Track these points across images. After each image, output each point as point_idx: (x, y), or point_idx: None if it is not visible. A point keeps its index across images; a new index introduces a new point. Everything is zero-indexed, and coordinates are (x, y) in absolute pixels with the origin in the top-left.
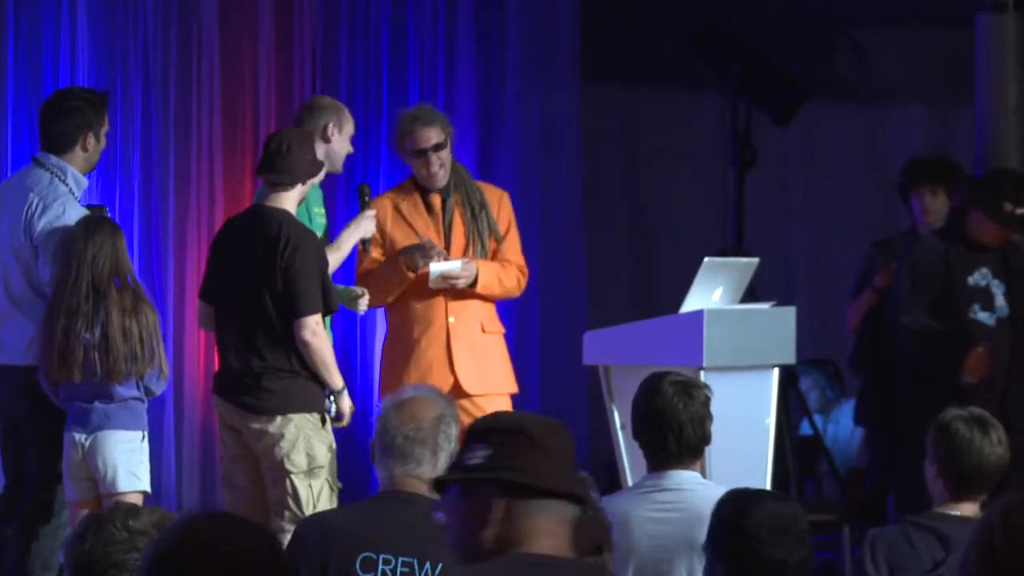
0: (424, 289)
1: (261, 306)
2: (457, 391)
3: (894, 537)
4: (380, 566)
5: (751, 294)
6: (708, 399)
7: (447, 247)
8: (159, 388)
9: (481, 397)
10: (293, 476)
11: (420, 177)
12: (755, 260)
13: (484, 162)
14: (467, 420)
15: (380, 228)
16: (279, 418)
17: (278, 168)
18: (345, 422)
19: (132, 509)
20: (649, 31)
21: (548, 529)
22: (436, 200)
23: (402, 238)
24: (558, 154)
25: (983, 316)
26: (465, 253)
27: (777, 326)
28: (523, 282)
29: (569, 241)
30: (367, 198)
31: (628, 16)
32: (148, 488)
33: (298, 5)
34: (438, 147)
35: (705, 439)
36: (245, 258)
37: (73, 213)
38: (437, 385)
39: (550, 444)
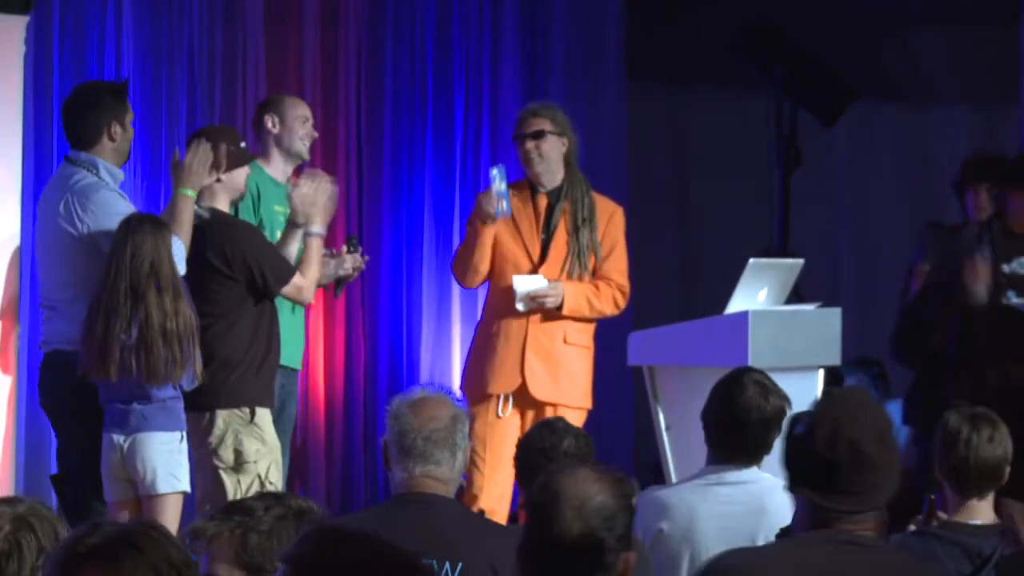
0: (513, 291)
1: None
2: (523, 394)
3: (918, 548)
4: None
5: (796, 295)
6: (783, 411)
7: (544, 254)
8: (190, 386)
9: (549, 406)
10: (220, 471)
11: (524, 165)
12: (800, 261)
13: None
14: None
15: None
16: (207, 414)
17: None
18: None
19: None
20: (695, 31)
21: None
22: (543, 202)
23: (503, 231)
24: (603, 154)
25: (1017, 301)
26: (563, 266)
27: (822, 327)
28: (621, 303)
29: None
30: (352, 247)
31: (674, 16)
32: (188, 488)
33: (343, 6)
34: (536, 135)
35: (765, 447)
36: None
37: (112, 197)
38: (504, 384)
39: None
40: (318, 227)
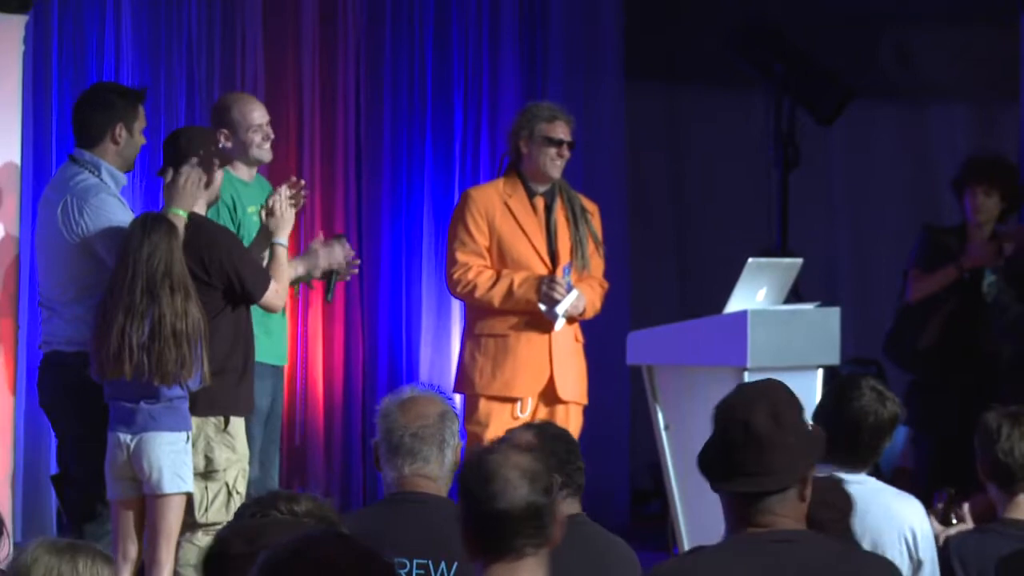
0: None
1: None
2: (549, 393)
3: (982, 546)
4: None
5: (795, 294)
6: (897, 417)
7: (552, 251)
8: (197, 387)
9: (562, 404)
10: None
11: (539, 164)
12: (799, 260)
13: None
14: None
15: (488, 219)
16: None
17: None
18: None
19: (292, 496)
20: (693, 29)
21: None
22: (539, 203)
23: (509, 234)
24: (602, 153)
25: None
26: (570, 259)
27: (821, 327)
28: (602, 300)
29: (612, 240)
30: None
31: (672, 14)
32: (192, 489)
33: (342, 5)
34: (570, 145)
35: (876, 452)
36: None
37: (110, 201)
38: (532, 386)
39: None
40: (283, 238)
